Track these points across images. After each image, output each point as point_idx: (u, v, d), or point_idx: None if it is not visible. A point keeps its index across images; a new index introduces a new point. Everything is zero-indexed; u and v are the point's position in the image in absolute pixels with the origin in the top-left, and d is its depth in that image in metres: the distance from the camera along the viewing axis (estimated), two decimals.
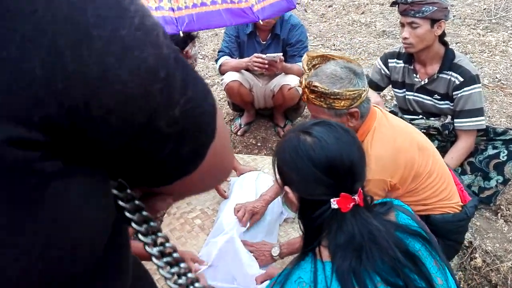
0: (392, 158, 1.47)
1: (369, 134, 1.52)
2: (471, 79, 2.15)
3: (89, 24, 0.28)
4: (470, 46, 4.36)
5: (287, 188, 1.01)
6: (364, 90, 1.45)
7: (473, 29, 4.89)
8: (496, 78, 3.70)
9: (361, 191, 0.97)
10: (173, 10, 0.99)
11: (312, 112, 1.56)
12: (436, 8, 2.06)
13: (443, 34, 2.19)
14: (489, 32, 4.78)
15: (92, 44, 0.28)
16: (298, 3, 5.69)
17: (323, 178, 0.94)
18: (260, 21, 1.08)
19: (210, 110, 0.39)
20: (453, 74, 2.19)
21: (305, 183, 0.97)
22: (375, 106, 1.63)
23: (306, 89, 1.48)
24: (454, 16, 5.27)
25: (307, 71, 1.50)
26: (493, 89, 3.52)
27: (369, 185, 1.48)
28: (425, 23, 2.08)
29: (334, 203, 0.93)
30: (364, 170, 1.01)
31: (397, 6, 2.17)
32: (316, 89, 1.43)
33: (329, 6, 5.83)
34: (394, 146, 1.49)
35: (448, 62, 2.19)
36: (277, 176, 1.05)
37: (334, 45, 4.58)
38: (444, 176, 1.61)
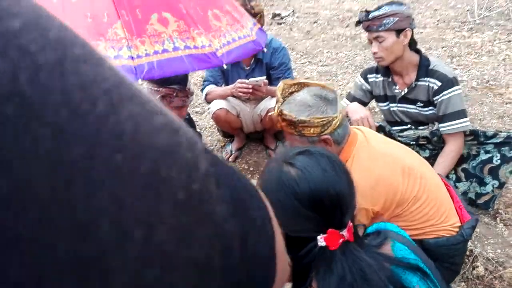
0: (372, 187, 1.42)
1: (348, 161, 1.48)
2: (448, 82, 2.14)
3: None
4: (456, 49, 4.38)
5: None
6: (335, 117, 1.43)
7: (458, 31, 4.92)
8: (484, 79, 3.70)
9: (351, 224, 0.91)
10: (132, 58, 0.97)
11: (287, 139, 1.56)
12: (397, 18, 2.08)
13: (414, 43, 2.21)
14: (474, 33, 4.81)
15: None
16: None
17: (308, 214, 0.89)
18: (224, 65, 1.07)
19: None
20: (431, 80, 2.19)
21: (289, 219, 0.90)
22: (357, 129, 1.61)
23: (278, 117, 1.48)
24: (438, 20, 5.32)
25: (280, 99, 1.49)
26: (482, 90, 3.51)
27: None
28: (390, 35, 2.10)
29: (321, 241, 0.87)
30: (354, 201, 0.95)
31: (361, 24, 2.20)
32: (285, 117, 1.43)
33: (314, 22, 5.89)
34: (373, 175, 1.43)
35: (424, 69, 2.20)
36: None
37: (321, 61, 4.60)
38: (437, 198, 1.53)
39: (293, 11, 6.42)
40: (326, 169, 0.91)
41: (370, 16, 2.10)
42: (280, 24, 6.02)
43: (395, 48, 2.13)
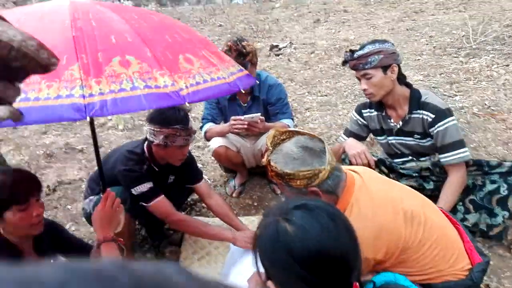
0: (373, 236, 1.37)
1: (347, 211, 1.43)
2: (442, 114, 2.16)
3: None
4: (455, 76, 4.39)
5: (270, 284, 0.91)
6: (322, 169, 1.39)
7: (455, 57, 4.96)
8: (486, 105, 3.69)
9: (357, 285, 0.86)
10: (83, 97, 0.98)
11: (279, 188, 1.55)
12: (382, 55, 2.12)
13: (403, 77, 2.25)
14: (472, 58, 4.84)
15: None
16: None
17: (307, 277, 0.82)
18: (186, 103, 1.07)
19: None
20: (424, 112, 2.21)
21: (287, 281, 0.86)
22: (354, 172, 1.56)
23: (268, 166, 1.46)
24: (434, 47, 5.37)
25: (270, 148, 1.47)
26: (484, 117, 3.49)
27: None
28: (377, 72, 2.15)
29: None
30: (359, 257, 0.89)
31: (347, 64, 2.24)
32: (272, 168, 1.43)
33: (311, 53, 5.96)
34: (374, 223, 1.38)
35: (415, 101, 2.23)
36: (260, 269, 0.93)
37: (320, 91, 4.62)
38: (443, 242, 1.47)
39: (290, 42, 6.51)
40: (325, 226, 0.86)
41: (355, 55, 2.15)
42: (278, 55, 6.09)
43: (384, 83, 2.16)
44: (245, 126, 2.51)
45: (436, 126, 2.18)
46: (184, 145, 2.10)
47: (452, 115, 2.19)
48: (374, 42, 2.17)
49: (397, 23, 6.75)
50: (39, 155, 3.69)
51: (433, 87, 4.22)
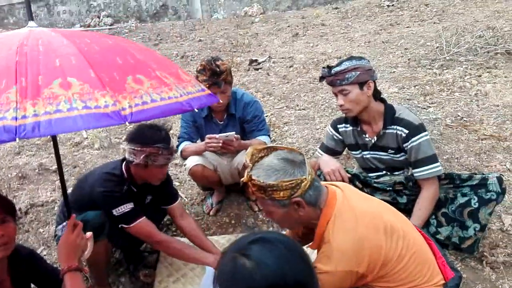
0: (356, 247, 1.41)
1: (330, 223, 1.46)
2: (415, 129, 2.20)
3: None
4: (429, 87, 4.47)
5: None
6: (304, 179, 1.42)
7: (429, 69, 5.05)
8: (458, 116, 3.76)
9: None
10: (16, 119, 0.98)
11: (260, 204, 1.56)
12: (359, 72, 2.16)
13: (378, 93, 2.28)
14: (445, 69, 4.94)
15: None
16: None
17: None
18: (127, 122, 1.07)
19: None
20: (398, 127, 2.25)
21: None
22: (335, 186, 1.58)
23: (249, 183, 1.47)
24: (409, 59, 5.47)
25: (250, 164, 1.48)
26: (457, 128, 3.55)
27: (334, 277, 1.40)
28: (354, 88, 2.17)
29: None
30: (316, 282, 0.93)
31: (324, 79, 2.27)
32: (254, 182, 1.43)
33: (290, 67, 6.00)
34: (356, 235, 1.42)
35: (390, 117, 2.26)
36: None
37: (298, 105, 4.65)
38: (420, 257, 1.51)
39: (269, 56, 6.56)
40: (282, 257, 0.88)
41: (333, 71, 2.18)
42: (257, 69, 6.12)
43: (360, 99, 2.19)
44: (220, 144, 2.50)
45: (409, 142, 2.21)
46: (165, 164, 2.08)
47: (425, 131, 2.22)
48: (351, 58, 2.20)
49: (373, 36, 6.87)
50: (11, 177, 3.60)
51: (407, 99, 4.28)
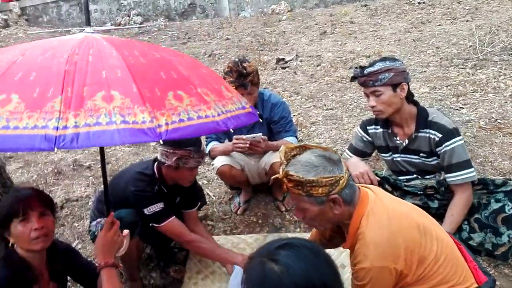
0: (390, 241, 1.41)
1: (363, 219, 1.48)
2: (449, 134, 2.16)
3: None
4: (461, 88, 4.36)
5: None
6: (342, 177, 1.44)
7: (462, 68, 4.93)
8: (492, 118, 3.65)
9: None
10: (56, 129, 1.02)
11: (294, 201, 1.56)
12: (392, 74, 2.12)
13: (411, 95, 2.25)
14: (479, 69, 4.80)
15: None
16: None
17: None
18: (160, 140, 1.10)
19: None
20: (431, 131, 2.21)
21: None
22: (366, 188, 1.60)
23: (284, 179, 1.48)
24: (441, 58, 5.35)
25: (284, 161, 1.50)
26: (490, 130, 3.46)
27: (371, 273, 1.40)
28: (387, 89, 2.14)
29: None
30: (341, 286, 0.96)
31: (356, 80, 2.25)
32: (292, 178, 1.44)
33: (317, 65, 5.97)
34: (391, 228, 1.43)
35: (422, 120, 2.22)
36: None
37: (325, 105, 4.62)
38: (454, 259, 1.51)
39: (296, 55, 6.54)
40: (309, 261, 0.91)
41: (365, 72, 2.15)
42: (284, 68, 6.12)
43: (393, 101, 2.16)
44: (247, 145, 2.53)
45: (443, 146, 2.17)
46: (195, 167, 2.14)
47: (459, 135, 2.18)
48: (384, 59, 2.18)
49: (404, 34, 6.75)
50: (48, 173, 3.75)
51: (439, 99, 4.19)
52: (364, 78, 2.18)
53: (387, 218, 1.46)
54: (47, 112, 1.05)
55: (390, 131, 2.35)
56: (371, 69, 2.15)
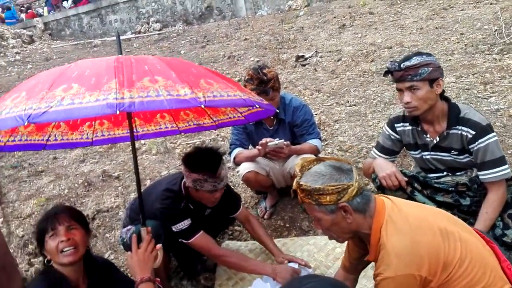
0: (412, 248, 1.39)
1: (383, 228, 1.46)
2: (483, 131, 2.08)
3: None
4: (489, 75, 4.22)
5: None
6: (350, 185, 1.44)
7: (488, 54, 4.77)
8: None
9: None
10: (116, 99, 1.22)
11: (308, 211, 1.58)
12: (431, 68, 2.05)
13: (443, 91, 2.16)
14: (506, 54, 4.64)
15: None
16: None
17: None
18: (202, 105, 1.30)
19: None
20: (463, 128, 2.13)
21: None
22: (383, 196, 1.58)
23: (298, 190, 1.51)
24: (465, 44, 5.19)
25: (299, 174, 1.54)
26: None
27: (395, 283, 1.38)
28: (425, 85, 2.07)
29: None
30: None
31: (390, 74, 2.16)
32: (302, 187, 1.48)
33: (338, 60, 5.90)
34: (412, 236, 1.41)
35: (454, 117, 2.15)
36: None
37: (348, 101, 4.56)
38: (481, 259, 1.46)
39: (316, 51, 6.48)
40: None
41: (403, 66, 2.06)
42: (304, 65, 6.08)
43: (429, 97, 2.09)
44: (272, 149, 2.55)
45: (476, 143, 2.10)
46: (213, 190, 2.12)
47: (493, 131, 2.10)
48: (420, 54, 2.11)
49: (426, 22, 6.58)
50: (78, 185, 3.86)
51: (466, 89, 4.07)
52: (402, 73, 2.08)
53: (407, 225, 1.44)
54: (105, 90, 1.25)
55: (419, 128, 2.28)
56: (408, 63, 2.07)
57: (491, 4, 6.55)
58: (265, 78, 2.51)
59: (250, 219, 2.50)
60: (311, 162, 1.56)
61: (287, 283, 1.02)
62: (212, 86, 1.43)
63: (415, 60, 2.06)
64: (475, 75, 4.30)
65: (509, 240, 2.12)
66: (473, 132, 2.09)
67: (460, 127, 2.14)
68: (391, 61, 2.16)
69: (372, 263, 1.94)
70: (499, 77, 4.14)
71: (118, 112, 1.18)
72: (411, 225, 1.44)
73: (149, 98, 1.25)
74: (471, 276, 1.42)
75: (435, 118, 2.20)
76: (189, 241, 2.19)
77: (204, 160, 2.08)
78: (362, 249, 1.77)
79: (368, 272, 2.31)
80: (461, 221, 1.61)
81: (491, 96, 3.83)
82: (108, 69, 1.37)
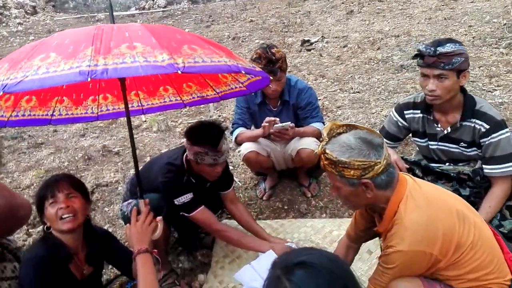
0: (429, 226, 1.40)
1: (402, 203, 1.46)
2: (497, 125, 2.06)
3: None
4: (495, 68, 4.19)
5: None
6: (378, 162, 1.41)
7: (496, 48, 4.73)
8: None
9: None
10: (89, 66, 1.21)
11: (329, 177, 1.57)
12: (463, 58, 1.99)
13: None
14: None
15: None
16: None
17: None
18: (179, 71, 1.25)
19: None
20: (477, 121, 2.10)
21: None
22: (405, 174, 1.58)
23: (322, 155, 1.48)
24: (473, 37, 5.14)
25: (326, 138, 1.49)
26: None
27: (406, 257, 1.41)
28: (453, 75, 2.01)
29: None
30: None
31: (419, 58, 2.07)
32: (327, 156, 1.45)
33: (344, 47, 5.85)
34: (430, 213, 1.42)
35: (470, 109, 2.11)
36: None
37: (352, 88, 4.54)
38: (490, 247, 1.49)
39: (322, 36, 6.41)
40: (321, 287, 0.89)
41: (438, 52, 1.98)
42: (310, 50, 6.02)
43: (454, 88, 2.05)
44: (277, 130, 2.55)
45: (489, 137, 2.08)
46: (213, 164, 2.12)
47: (506, 127, 2.08)
48: (453, 41, 2.03)
49: (435, 12, 6.51)
50: (78, 159, 3.86)
51: (471, 81, 4.04)
52: (435, 59, 2.00)
53: (426, 203, 1.44)
54: (80, 58, 1.24)
55: (431, 117, 2.25)
56: (443, 49, 1.98)
57: None
58: (274, 58, 2.49)
59: (237, 202, 2.50)
60: (340, 126, 1.50)
61: (283, 255, 1.02)
62: (195, 52, 1.39)
63: (449, 48, 1.98)
64: (481, 68, 4.27)
65: (505, 231, 2.14)
66: (488, 126, 2.07)
67: (474, 120, 2.11)
68: (426, 44, 2.06)
69: (374, 240, 1.96)
70: (505, 71, 4.11)
71: (89, 79, 1.17)
72: (430, 203, 1.45)
73: (123, 64, 1.23)
74: (480, 261, 1.45)
75: (450, 109, 2.16)
76: (191, 214, 2.20)
77: (206, 133, 2.08)
78: (368, 221, 1.78)
79: (363, 255, 2.34)
80: (473, 208, 1.61)
81: (495, 90, 3.81)
82: (87, 36, 1.35)
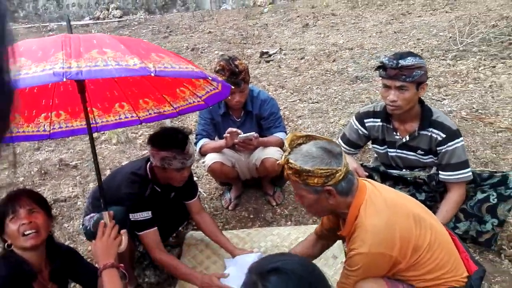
0: (387, 229, 1.47)
1: (362, 207, 1.53)
2: (453, 135, 2.20)
3: None
4: (443, 79, 4.46)
5: None
6: (339, 170, 1.48)
7: (443, 59, 5.04)
8: (473, 108, 3.76)
9: None
10: (63, 68, 1.22)
11: (293, 186, 1.62)
12: (423, 72, 2.11)
13: None
14: (459, 60, 4.92)
15: None
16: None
17: None
18: (152, 74, 1.29)
19: None
20: (434, 130, 2.23)
21: None
22: (364, 180, 1.65)
23: (285, 165, 1.54)
24: (422, 49, 5.45)
25: (288, 149, 1.55)
26: (472, 120, 3.56)
27: (368, 259, 1.47)
28: (413, 87, 2.12)
29: None
30: None
31: (382, 70, 2.17)
32: (291, 165, 1.50)
33: (301, 58, 6.01)
34: (388, 217, 1.50)
35: (427, 119, 2.24)
36: None
37: (311, 98, 4.66)
38: (447, 248, 1.58)
39: (280, 48, 6.56)
40: None
41: (400, 65, 2.08)
42: (269, 62, 6.13)
43: (413, 99, 2.16)
44: (240, 141, 2.57)
45: (445, 146, 2.21)
46: (181, 168, 2.11)
47: (461, 136, 2.23)
48: (412, 54, 2.13)
49: (385, 26, 6.84)
50: (34, 173, 3.69)
51: None
52: (397, 71, 2.10)
53: (385, 207, 1.52)
54: (52, 61, 1.24)
55: (390, 126, 2.36)
56: (404, 63, 2.08)
57: (446, 12, 6.91)
58: (237, 69, 2.52)
59: (202, 213, 2.48)
60: (300, 137, 1.57)
61: (256, 263, 1.05)
62: (163, 59, 1.43)
63: (410, 61, 2.08)
64: (430, 79, 4.53)
65: (460, 232, 2.28)
66: (444, 135, 2.20)
67: (431, 129, 2.24)
68: (389, 57, 2.16)
69: (339, 246, 2.02)
70: (452, 81, 4.39)
71: (65, 80, 1.17)
72: (389, 208, 1.52)
73: (97, 67, 1.24)
74: (438, 261, 1.53)
75: (409, 118, 2.29)
76: (139, 233, 2.16)
77: (172, 138, 2.07)
78: (334, 224, 1.85)
79: (328, 261, 2.41)
80: (430, 211, 1.71)
81: (444, 99, 4.06)
82: (55, 43, 1.35)
